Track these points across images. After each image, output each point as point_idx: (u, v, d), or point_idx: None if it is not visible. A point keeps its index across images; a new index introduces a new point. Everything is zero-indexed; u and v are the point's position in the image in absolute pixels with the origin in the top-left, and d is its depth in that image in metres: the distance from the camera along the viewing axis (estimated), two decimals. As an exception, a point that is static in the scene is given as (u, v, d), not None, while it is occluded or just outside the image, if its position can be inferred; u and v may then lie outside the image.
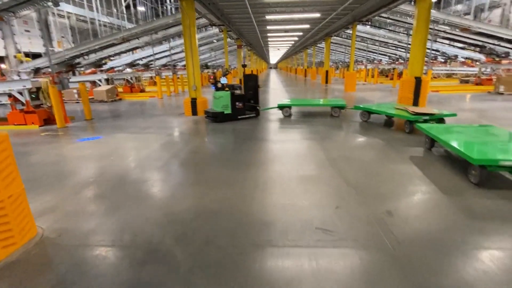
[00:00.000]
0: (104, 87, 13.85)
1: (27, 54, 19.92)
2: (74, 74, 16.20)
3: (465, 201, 2.97)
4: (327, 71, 20.02)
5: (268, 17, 12.63)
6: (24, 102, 7.49)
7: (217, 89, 7.53)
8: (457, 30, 13.98)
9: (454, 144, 3.73)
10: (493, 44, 14.34)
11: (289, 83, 22.57)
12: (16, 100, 7.53)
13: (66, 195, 3.34)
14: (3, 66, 20.01)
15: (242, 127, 6.90)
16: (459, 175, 3.66)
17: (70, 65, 15.12)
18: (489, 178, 3.45)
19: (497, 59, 17.01)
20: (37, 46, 22.12)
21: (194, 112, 8.62)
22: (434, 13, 12.43)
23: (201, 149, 5.15)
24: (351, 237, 2.40)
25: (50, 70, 14.62)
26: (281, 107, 8.22)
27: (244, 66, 8.61)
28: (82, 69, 16.61)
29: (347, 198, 3.09)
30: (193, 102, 8.58)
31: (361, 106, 7.33)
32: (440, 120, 5.89)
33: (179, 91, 17.55)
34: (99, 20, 25.46)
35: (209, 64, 32.10)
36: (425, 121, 5.68)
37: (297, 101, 8.93)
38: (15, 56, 21.32)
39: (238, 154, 4.75)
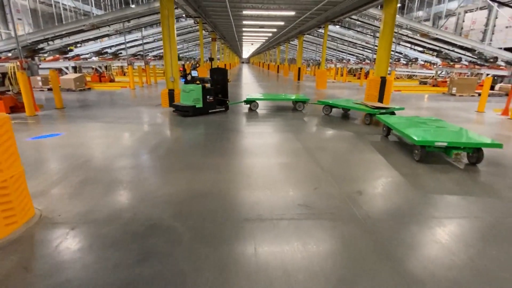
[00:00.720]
0: (72, 75, 13.23)
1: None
2: (33, 60, 15.22)
3: (415, 176, 3.51)
4: (299, 68, 20.66)
5: (245, 12, 12.82)
6: (-12, 88, 7.07)
7: (187, 82, 7.43)
8: (418, 35, 15.20)
9: (404, 130, 4.58)
10: (448, 49, 15.77)
11: (262, 78, 22.94)
12: (-22, 85, 7.08)
13: (60, 178, 3.39)
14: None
15: (216, 119, 7.10)
16: (408, 156, 4.46)
17: (32, 50, 14.17)
18: (428, 156, 4.26)
19: (451, 63, 18.75)
20: (-9, 28, 20.33)
21: (172, 103, 8.66)
22: (398, 18, 13.41)
23: (183, 139, 5.32)
24: (328, 211, 2.79)
25: (9, 54, 13.64)
26: (249, 101, 8.42)
27: (211, 59, 8.52)
28: (45, 55, 15.63)
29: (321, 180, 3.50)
30: (171, 93, 8.59)
31: (324, 101, 8.08)
32: (391, 113, 6.89)
33: (151, 82, 17.16)
34: (63, 4, 23.89)
35: (180, 56, 31.37)
36: (381, 114, 6.54)
37: (264, 95, 9.26)
38: (-34, 38, 19.53)
39: (219, 144, 5.00)
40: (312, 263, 2.07)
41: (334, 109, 8.27)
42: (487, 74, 15.49)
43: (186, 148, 4.77)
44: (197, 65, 7.87)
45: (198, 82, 7.40)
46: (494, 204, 3.00)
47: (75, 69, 14.69)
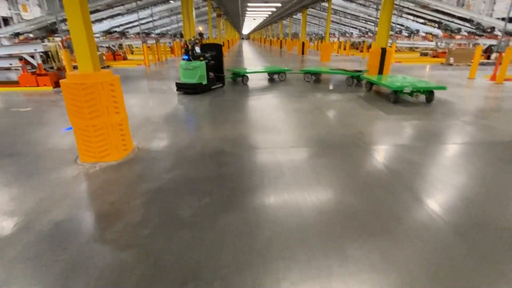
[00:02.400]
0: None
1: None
2: (49, 41, 15.95)
3: (391, 111, 4.60)
4: (303, 43, 21.21)
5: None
6: (36, 65, 8.04)
7: (191, 58, 7.13)
8: (418, 6, 15.71)
9: (383, 82, 6.50)
10: (448, 20, 16.31)
11: (265, 54, 23.52)
12: (27, 62, 8.05)
13: (135, 129, 4.51)
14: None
15: (221, 93, 7.69)
16: (386, 101, 6.00)
17: (50, 31, 14.92)
18: (399, 100, 5.96)
19: (452, 34, 19.25)
20: (2, 10, 20.86)
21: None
22: (399, -10, 13.94)
23: (213, 103, 6.38)
24: (341, 144, 3.91)
25: (31, 35, 14.40)
26: (240, 75, 8.85)
27: (200, 35, 8.17)
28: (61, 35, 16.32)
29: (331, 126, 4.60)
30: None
31: (306, 69, 9.36)
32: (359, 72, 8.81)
33: (162, 59, 17.94)
34: None
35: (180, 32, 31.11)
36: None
37: (251, 69, 9.55)
38: (-19, 20, 20.23)
39: (238, 106, 6.07)
40: (294, 163, 3.22)
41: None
42: (484, 44, 16.12)
43: (218, 109, 5.85)
44: (197, 40, 7.43)
45: (201, 58, 7.21)
46: (427, 121, 4.12)
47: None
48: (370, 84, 7.54)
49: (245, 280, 1.70)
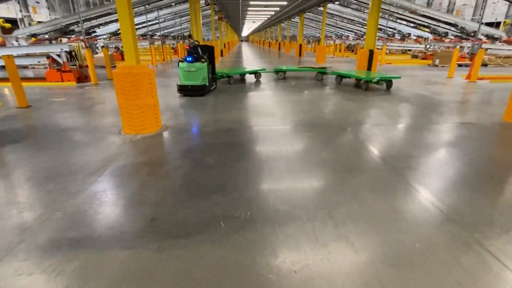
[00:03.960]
0: (102, 54, 15.04)
1: (6, 20, 19.98)
2: (61, 41, 16.96)
3: (364, 95, 5.66)
4: (300, 45, 22.32)
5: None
6: (61, 62, 9.06)
7: (193, 60, 7.04)
8: (408, 12, 16.85)
9: (355, 74, 8.29)
10: (435, 25, 17.47)
11: (263, 55, 24.62)
12: (53, 60, 9.07)
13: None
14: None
15: (224, 90, 9.15)
16: (358, 89, 6.50)
17: (64, 32, 15.93)
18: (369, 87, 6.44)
19: (440, 37, 20.40)
20: (15, 12, 21.82)
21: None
22: (389, -3, 15.06)
23: (220, 96, 7.42)
24: (315, 118, 4.96)
25: (46, 36, 15.39)
26: (227, 76, 9.32)
27: (190, 36, 8.12)
28: (73, 36, 17.36)
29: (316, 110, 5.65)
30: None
31: (278, 68, 10.48)
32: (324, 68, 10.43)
33: (167, 60, 18.99)
34: None
35: (174, 33, 31.33)
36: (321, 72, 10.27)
37: (231, 70, 10.04)
38: (-6, 21, 21.29)
39: (239, 98, 7.12)
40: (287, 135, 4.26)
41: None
42: (468, 47, 17.26)
43: (226, 100, 6.89)
44: (197, 42, 7.37)
45: (203, 60, 7.19)
46: (386, 101, 5.19)
47: (102, 48, 16.44)
48: (341, 77, 9.37)
49: (252, 191, 2.74)
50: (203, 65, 7.11)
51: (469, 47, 17.17)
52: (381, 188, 2.79)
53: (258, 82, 9.68)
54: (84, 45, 9.19)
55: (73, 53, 9.32)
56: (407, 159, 3.48)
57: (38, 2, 23.94)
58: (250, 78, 10.42)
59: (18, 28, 21.26)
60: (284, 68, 10.60)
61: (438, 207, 2.48)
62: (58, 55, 8.99)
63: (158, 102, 4.60)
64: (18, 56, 9.58)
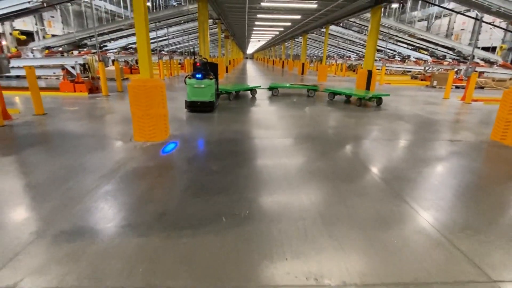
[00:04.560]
0: (113, 67, 15.68)
1: (22, 33, 20.90)
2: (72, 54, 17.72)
3: (356, 111, 5.99)
4: (303, 64, 23.04)
5: (258, 16, 15.23)
6: (75, 74, 9.58)
7: (202, 77, 7.03)
8: (407, 35, 17.55)
9: (349, 92, 9.18)
10: (433, 48, 18.12)
11: (267, 72, 25.36)
12: (68, 72, 9.59)
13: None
14: (3, 42, 20.81)
15: (224, 105, 9.57)
16: (351, 105, 6.87)
17: (77, 46, 16.69)
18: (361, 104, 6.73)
19: (439, 60, 21.06)
20: (30, 25, 22.85)
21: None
22: (388, 21, 15.77)
23: (226, 108, 7.82)
24: (319, 134, 5.29)
25: (60, 48, 16.10)
26: (227, 93, 9.43)
27: (193, 53, 8.07)
28: (85, 49, 18.14)
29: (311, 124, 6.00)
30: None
31: (273, 85, 10.90)
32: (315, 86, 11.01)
33: (175, 74, 19.66)
34: (99, 7, 26.45)
35: (180, 49, 32.14)
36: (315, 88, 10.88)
37: (232, 86, 10.43)
38: (11, 34, 22.33)
39: (243, 112, 7.52)
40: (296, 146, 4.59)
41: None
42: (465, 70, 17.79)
43: (227, 114, 7.28)
44: (204, 59, 7.40)
45: (211, 77, 7.24)
46: (371, 113, 5.52)
47: (113, 62, 17.14)
48: (333, 94, 9.94)
49: (251, 193, 3.04)
50: (211, 82, 7.11)
51: (465, 70, 17.73)
52: (369, 194, 3.08)
53: (254, 98, 10.02)
54: (97, 59, 9.73)
55: (86, 65, 9.85)
56: (395, 170, 3.78)
57: (53, 17, 25.05)
58: (248, 94, 10.88)
59: (33, 40, 22.21)
60: (278, 85, 11.06)
61: (412, 207, 2.76)
62: (73, 67, 9.52)
63: (167, 112, 4.97)
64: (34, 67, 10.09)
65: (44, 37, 24.49)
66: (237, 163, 3.89)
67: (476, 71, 10.75)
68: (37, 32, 23.64)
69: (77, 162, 3.76)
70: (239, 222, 2.50)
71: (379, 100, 8.96)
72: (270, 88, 10.94)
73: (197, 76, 7.03)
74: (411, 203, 2.90)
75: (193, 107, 7.22)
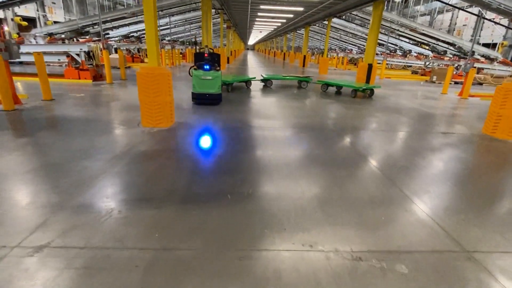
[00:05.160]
0: (116, 55, 15.75)
1: (23, 19, 20.83)
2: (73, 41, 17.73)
3: (352, 102, 6.22)
4: (304, 56, 23.09)
5: (261, 6, 15.25)
6: (80, 61, 9.71)
7: (210, 68, 6.86)
8: (408, 29, 17.60)
9: (345, 84, 9.49)
10: (434, 43, 18.20)
11: (268, 64, 25.40)
12: (72, 59, 9.73)
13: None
14: (5, 28, 20.80)
15: (229, 97, 9.76)
16: (345, 96, 7.08)
17: (80, 33, 16.70)
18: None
19: (440, 55, 21.14)
20: (32, 11, 22.73)
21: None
22: (390, 15, 15.82)
23: (230, 97, 8.02)
24: (314, 124, 5.52)
25: (63, 35, 16.13)
26: (227, 84, 9.19)
27: (195, 43, 8.03)
28: (87, 37, 18.15)
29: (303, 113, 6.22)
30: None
31: (266, 77, 10.76)
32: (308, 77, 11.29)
33: (176, 64, 19.72)
34: None
35: (182, 39, 31.70)
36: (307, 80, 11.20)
37: (234, 77, 10.38)
38: (12, 19, 22.28)
39: (247, 104, 7.73)
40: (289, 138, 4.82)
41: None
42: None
43: (231, 105, 7.49)
44: (211, 49, 7.06)
45: (218, 68, 7.07)
46: (368, 105, 5.75)
47: (115, 50, 17.19)
48: (327, 85, 10.39)
49: (254, 174, 3.29)
50: (218, 73, 6.91)
51: (463, 65, 17.86)
52: (362, 179, 3.33)
53: (250, 90, 10.20)
54: (102, 46, 9.86)
55: (91, 53, 9.97)
56: (389, 158, 4.03)
57: (54, 3, 24.89)
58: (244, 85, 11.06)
59: (35, 26, 22.10)
60: (271, 76, 11.03)
61: (401, 190, 3.02)
62: (78, 54, 9.65)
63: (173, 100, 5.18)
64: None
65: (45, 24, 24.40)
66: (240, 148, 4.13)
67: (475, 67, 10.92)
68: (38, 18, 23.55)
69: (89, 144, 4.00)
70: (242, 200, 2.75)
71: (371, 91, 9.49)
72: (263, 80, 10.92)
73: (205, 67, 6.81)
74: (401, 187, 3.16)
75: (200, 99, 7.00)
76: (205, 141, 4.38)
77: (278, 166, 3.57)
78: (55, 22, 20.66)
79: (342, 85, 9.78)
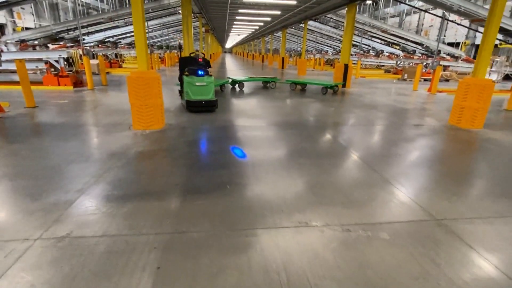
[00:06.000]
0: (94, 61, 15.47)
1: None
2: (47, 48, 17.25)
3: (321, 97, 6.67)
4: (283, 58, 23.65)
5: (239, 10, 15.58)
6: (59, 68, 9.57)
7: (204, 74, 6.52)
8: (380, 31, 18.58)
9: (316, 82, 10.78)
10: (404, 44, 19.30)
11: (247, 67, 25.77)
12: (51, 65, 9.56)
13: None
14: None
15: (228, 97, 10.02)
16: (316, 93, 7.54)
17: (54, 39, 16.28)
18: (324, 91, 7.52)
19: (410, 55, 22.40)
20: (0, 17, 21.80)
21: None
22: (362, 18, 16.66)
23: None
24: (295, 120, 5.88)
25: (36, 42, 15.66)
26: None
27: (180, 47, 7.63)
28: (61, 42, 17.68)
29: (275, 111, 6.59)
30: (189, 74, 11.35)
31: (234, 80, 10.92)
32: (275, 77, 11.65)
33: (155, 68, 19.61)
34: None
35: (158, 44, 31.35)
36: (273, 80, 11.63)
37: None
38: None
39: (227, 104, 8.01)
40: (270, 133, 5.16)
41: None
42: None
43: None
44: (203, 54, 6.27)
45: (211, 74, 6.82)
46: (333, 99, 6.24)
47: (93, 56, 16.86)
48: (295, 84, 11.25)
49: (248, 167, 3.56)
50: (211, 78, 6.60)
51: (430, 63, 19.10)
52: (345, 166, 3.69)
53: (231, 91, 10.60)
54: (82, 52, 9.76)
55: (70, 59, 9.84)
56: (367, 148, 4.44)
57: (23, 8, 23.95)
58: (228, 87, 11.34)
59: (2, 33, 21.21)
60: (238, 79, 11.06)
61: (381, 174, 3.40)
62: (56, 61, 9.50)
63: (163, 102, 5.35)
64: (7, 61, 9.86)
65: (14, 30, 23.44)
66: (232, 145, 4.39)
67: (441, 65, 11.79)
68: (6, 24, 22.59)
69: (85, 148, 4.11)
70: (241, 189, 3.02)
71: (336, 87, 10.60)
72: (232, 83, 11.06)
73: (199, 72, 6.45)
74: (381, 172, 3.55)
75: (196, 107, 6.51)
76: (198, 141, 4.60)
77: (267, 156, 3.86)
78: (27, 28, 19.93)
79: (305, 83, 10.91)
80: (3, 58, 9.59)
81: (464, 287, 1.81)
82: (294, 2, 12.77)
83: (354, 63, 19.43)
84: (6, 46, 14.46)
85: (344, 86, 11.84)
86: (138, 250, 2.05)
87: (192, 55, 6.95)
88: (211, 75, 6.71)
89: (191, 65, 6.75)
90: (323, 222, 2.46)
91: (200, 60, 6.85)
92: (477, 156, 4.34)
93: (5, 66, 9.65)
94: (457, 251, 2.14)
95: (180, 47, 7.52)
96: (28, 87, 6.51)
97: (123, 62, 26.09)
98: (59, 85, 9.66)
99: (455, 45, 23.79)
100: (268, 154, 4.04)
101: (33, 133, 4.75)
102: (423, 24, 30.17)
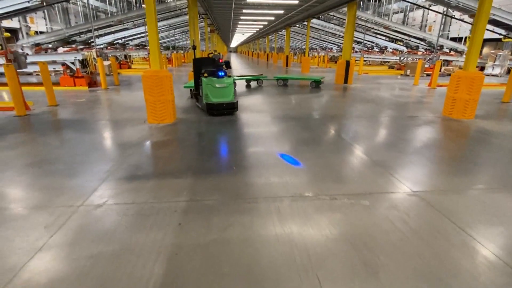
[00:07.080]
0: (106, 62, 16.12)
1: (6, 30, 20.81)
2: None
3: (311, 91, 7.07)
4: (287, 56, 24.01)
5: (244, 10, 16.02)
6: (75, 69, 10.18)
7: (224, 75, 6.29)
8: (383, 27, 18.82)
9: (307, 77, 10.99)
10: (407, 40, 19.49)
11: (252, 65, 26.22)
12: (67, 67, 10.18)
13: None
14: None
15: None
16: (304, 88, 7.92)
17: (66, 42, 16.99)
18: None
19: (414, 50, 22.54)
20: (15, 22, 22.69)
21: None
22: (365, 14, 16.93)
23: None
24: (297, 113, 6.31)
25: (50, 45, 16.37)
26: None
27: (194, 48, 7.86)
28: (73, 45, 18.40)
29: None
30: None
31: (235, 78, 11.22)
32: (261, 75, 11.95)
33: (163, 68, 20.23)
34: (84, 2, 26.34)
35: (165, 45, 31.91)
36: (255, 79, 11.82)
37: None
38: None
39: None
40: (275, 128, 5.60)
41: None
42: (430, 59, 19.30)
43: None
44: (219, 53, 6.83)
45: (229, 75, 6.64)
46: (318, 93, 6.63)
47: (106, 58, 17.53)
48: (283, 80, 11.82)
49: (252, 152, 4.03)
50: (231, 79, 6.40)
51: (430, 59, 19.26)
52: (340, 151, 4.13)
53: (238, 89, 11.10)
54: (96, 54, 10.35)
55: (84, 61, 10.44)
56: (363, 136, 4.86)
57: (35, 13, 24.84)
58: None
59: (17, 37, 22.10)
60: (237, 77, 11.44)
61: (371, 158, 3.83)
62: (72, 63, 10.11)
63: (174, 99, 5.86)
64: (33, 63, 10.53)
65: (27, 34, 24.35)
66: (237, 135, 4.86)
67: (441, 60, 12.05)
68: (20, 28, 23.50)
69: (108, 138, 4.63)
70: (246, 169, 3.49)
71: (318, 82, 11.13)
72: (235, 79, 11.42)
73: (219, 74, 6.22)
74: (370, 156, 3.98)
75: (218, 109, 6.24)
76: (207, 132, 5.08)
77: (269, 142, 4.32)
78: (41, 33, 20.74)
79: (288, 78, 11.72)
80: (29, 61, 10.23)
81: (425, 238, 2.25)
82: (296, 2, 13.15)
83: (357, 60, 19.71)
84: (22, 49, 15.20)
85: (346, 82, 12.22)
86: (162, 213, 2.54)
87: (210, 55, 6.82)
88: (229, 76, 6.54)
89: (206, 67, 6.60)
90: (314, 193, 2.91)
91: (221, 60, 6.53)
92: (463, 142, 4.73)
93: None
94: (427, 214, 2.57)
95: (194, 48, 7.48)
96: (50, 87, 7.09)
97: (132, 63, 26.87)
98: (75, 85, 10.28)
99: (459, 40, 23.83)
100: (270, 142, 4.50)
101: (59, 127, 5.30)
102: (427, 20, 30.16)
